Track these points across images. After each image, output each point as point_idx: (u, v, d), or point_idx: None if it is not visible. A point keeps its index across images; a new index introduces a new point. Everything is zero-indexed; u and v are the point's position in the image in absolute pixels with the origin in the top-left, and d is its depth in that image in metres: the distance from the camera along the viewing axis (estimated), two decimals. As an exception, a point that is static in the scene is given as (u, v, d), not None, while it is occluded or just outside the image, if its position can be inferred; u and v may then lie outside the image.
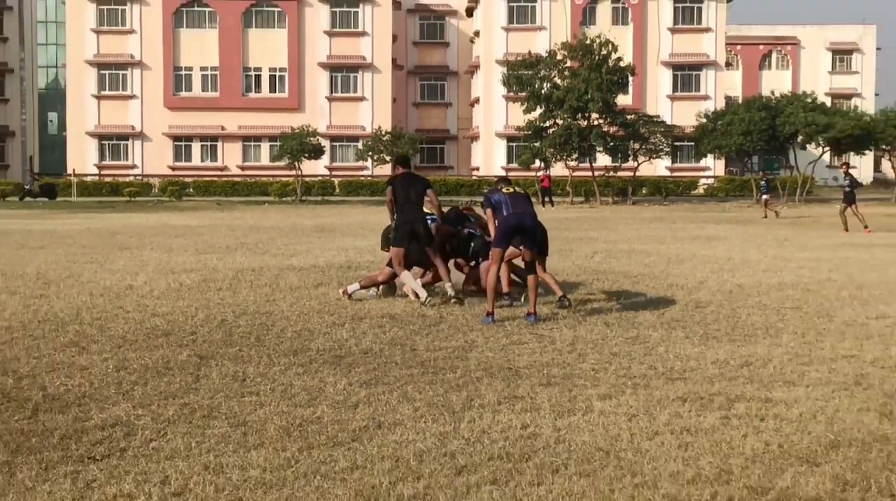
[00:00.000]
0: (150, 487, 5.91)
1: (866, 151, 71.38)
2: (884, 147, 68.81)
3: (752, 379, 9.02)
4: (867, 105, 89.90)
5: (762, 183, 47.53)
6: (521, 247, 12.84)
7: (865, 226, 29.38)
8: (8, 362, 9.63)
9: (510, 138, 74.86)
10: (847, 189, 27.60)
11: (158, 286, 15.81)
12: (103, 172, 76.56)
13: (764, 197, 44.18)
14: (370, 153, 69.25)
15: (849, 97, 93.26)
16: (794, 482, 6.04)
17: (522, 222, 12.50)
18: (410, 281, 14.00)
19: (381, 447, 6.78)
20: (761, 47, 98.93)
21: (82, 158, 77.92)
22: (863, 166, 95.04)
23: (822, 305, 13.88)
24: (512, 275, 13.88)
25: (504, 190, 12.93)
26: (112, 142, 79.07)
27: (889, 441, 6.94)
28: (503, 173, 13.99)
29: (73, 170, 75.01)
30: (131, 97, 78.99)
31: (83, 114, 78.88)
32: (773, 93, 70.44)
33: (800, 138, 62.95)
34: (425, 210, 14.57)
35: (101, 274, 17.59)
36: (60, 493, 5.81)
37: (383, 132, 70.68)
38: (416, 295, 13.75)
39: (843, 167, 35.16)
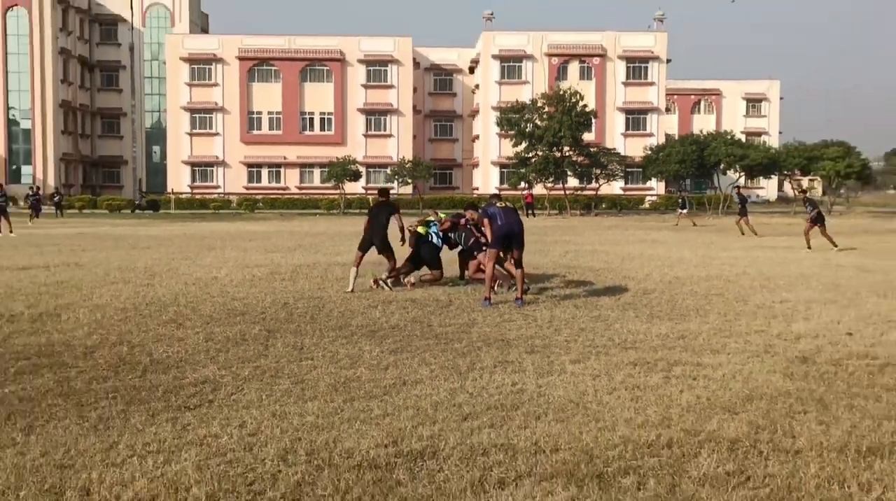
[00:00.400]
0: (232, 429, 5.93)
1: (772, 175, 71.75)
2: (785, 172, 68.89)
3: (686, 348, 9.02)
4: (773, 141, 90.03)
5: (679, 200, 47.77)
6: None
7: (834, 245, 23.69)
8: (123, 334, 9.66)
9: (502, 165, 74.88)
10: (811, 211, 24.89)
11: (236, 277, 15.83)
12: (194, 191, 76.63)
13: (682, 211, 43.97)
14: (396, 176, 69.68)
15: (759, 135, 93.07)
16: (719, 426, 6.04)
17: (512, 229, 12.56)
18: (353, 274, 14.16)
19: (405, 399, 6.79)
20: (692, 97, 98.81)
21: (178, 181, 78.11)
22: (770, 187, 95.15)
23: (738, 292, 13.86)
24: (498, 268, 13.73)
25: (497, 204, 12.96)
26: (201, 169, 79.19)
27: (791, 396, 6.93)
28: (496, 192, 13.88)
29: (172, 189, 75.21)
30: (216, 134, 79.10)
31: (179, 147, 79.03)
32: (701, 131, 70.89)
33: (722, 166, 63.16)
34: (430, 218, 15.04)
35: (193, 268, 17.62)
36: (163, 434, 5.82)
37: (406, 161, 71.30)
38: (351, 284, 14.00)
39: (802, 194, 34.92)
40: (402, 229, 14.73)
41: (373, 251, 14.49)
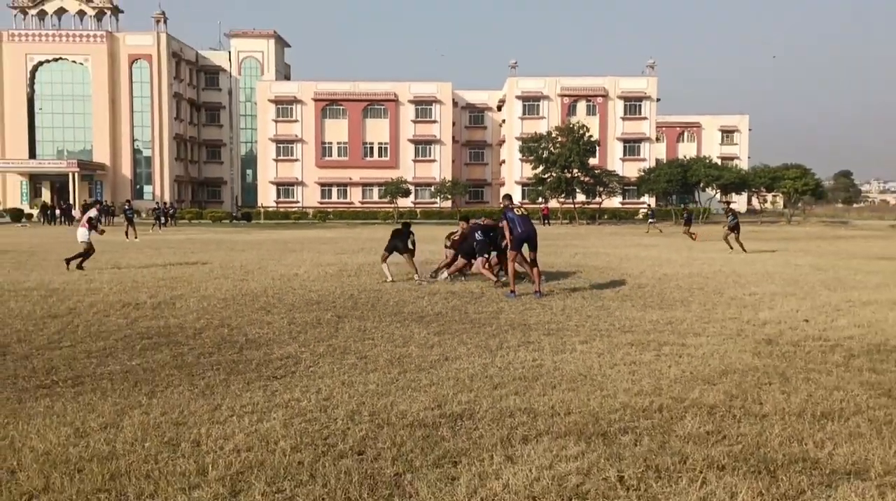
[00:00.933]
0: (310, 395, 5.98)
1: (743, 192, 71.01)
2: (753, 190, 68.12)
3: (673, 331, 8.94)
4: (743, 164, 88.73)
5: (649, 212, 47.74)
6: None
7: (732, 248, 23.80)
8: (224, 319, 9.76)
9: (523, 184, 74.45)
10: (731, 221, 24.54)
11: (312, 273, 15.92)
12: (279, 205, 77.11)
13: (651, 221, 45.03)
14: (439, 194, 69.90)
15: (732, 159, 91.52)
16: (700, 394, 5.98)
17: (529, 235, 12.53)
18: (386, 269, 14.75)
19: (447, 371, 6.80)
20: (677, 128, 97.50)
21: (266, 197, 78.63)
22: (740, 202, 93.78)
23: (715, 287, 13.70)
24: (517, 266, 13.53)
25: (516, 211, 12.83)
26: (284, 187, 79.61)
27: (758, 370, 6.85)
28: (508, 194, 13.71)
29: (261, 204, 75.78)
30: (296, 160, 79.47)
31: (267, 171, 79.51)
32: (685, 156, 70.58)
33: (701, 184, 62.62)
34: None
35: (278, 266, 17.76)
36: (256, 398, 5.89)
37: (447, 181, 71.48)
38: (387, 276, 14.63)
39: (727, 205, 33.79)
40: (413, 245, 15.27)
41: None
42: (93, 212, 18.22)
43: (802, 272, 16.66)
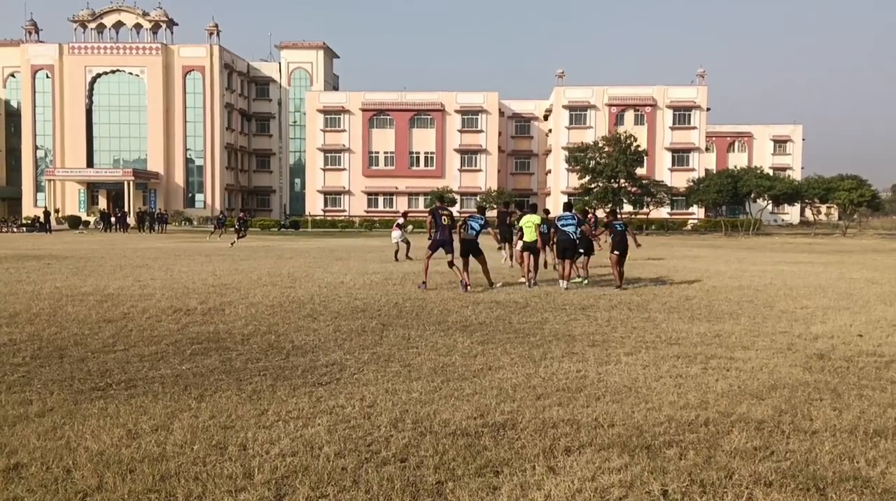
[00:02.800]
0: (354, 401, 6.03)
1: (796, 203, 69.53)
2: (806, 201, 66.64)
3: (721, 344, 8.80)
4: (796, 175, 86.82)
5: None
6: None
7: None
8: (272, 326, 9.90)
9: (569, 194, 73.94)
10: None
11: (358, 281, 16.03)
12: (326, 214, 77.89)
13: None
14: (485, 202, 69.85)
15: (784, 170, 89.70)
16: (748, 409, 5.89)
17: (445, 241, 14.83)
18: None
19: (490, 381, 6.80)
20: (728, 138, 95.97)
21: (314, 206, 79.56)
22: (793, 213, 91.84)
23: (766, 300, 13.45)
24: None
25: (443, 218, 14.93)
26: (331, 196, 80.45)
27: (809, 386, 6.71)
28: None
29: (309, 212, 76.72)
30: (343, 169, 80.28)
31: (315, 180, 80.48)
32: (735, 167, 68.96)
33: (752, 195, 61.45)
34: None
35: (324, 274, 17.91)
36: (302, 404, 5.96)
37: (492, 190, 71.43)
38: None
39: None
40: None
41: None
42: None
43: (857, 285, 16.25)
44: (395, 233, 24.17)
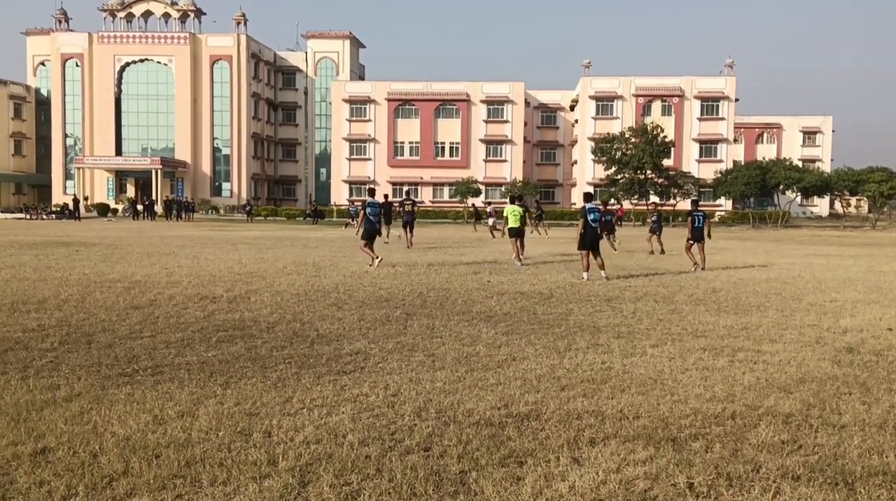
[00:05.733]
0: (378, 390, 6.04)
1: (825, 195, 68.63)
2: (836, 193, 65.73)
3: (748, 337, 8.70)
4: (825, 167, 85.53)
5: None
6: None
7: (652, 253, 23.81)
8: (297, 314, 9.95)
9: (595, 185, 73.39)
10: (654, 223, 24.78)
11: (382, 271, 16.03)
12: (351, 204, 78.33)
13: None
14: (509, 193, 69.52)
15: (813, 162, 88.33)
16: (776, 402, 5.81)
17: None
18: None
19: (514, 371, 6.78)
20: (757, 129, 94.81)
21: (339, 195, 79.83)
22: (823, 205, 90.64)
23: (794, 292, 13.28)
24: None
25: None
26: (356, 186, 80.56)
27: (838, 379, 6.62)
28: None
29: (334, 202, 76.95)
30: (368, 159, 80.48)
31: (340, 169, 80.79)
32: (764, 158, 68.26)
33: (781, 187, 60.69)
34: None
35: (349, 263, 17.96)
36: (325, 391, 5.98)
37: (517, 181, 71.16)
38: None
39: (653, 207, 31.35)
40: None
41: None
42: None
43: (887, 279, 15.99)
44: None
